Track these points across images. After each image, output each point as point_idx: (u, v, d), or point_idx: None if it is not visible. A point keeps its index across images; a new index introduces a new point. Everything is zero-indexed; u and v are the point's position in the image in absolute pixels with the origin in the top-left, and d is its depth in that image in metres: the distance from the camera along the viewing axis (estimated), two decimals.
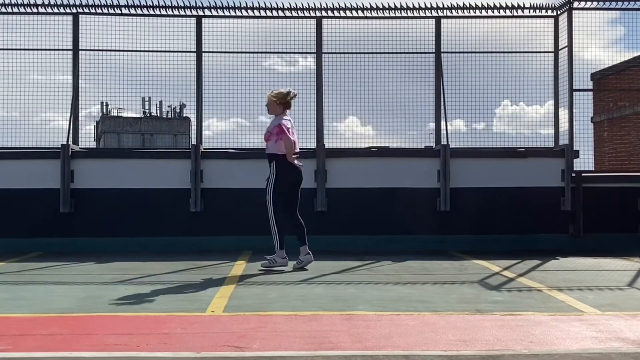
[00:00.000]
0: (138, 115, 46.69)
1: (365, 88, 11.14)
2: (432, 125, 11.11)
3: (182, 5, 10.79)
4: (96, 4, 10.76)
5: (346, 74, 11.07)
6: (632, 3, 10.88)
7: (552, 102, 11.24)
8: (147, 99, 42.13)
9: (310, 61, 11.17)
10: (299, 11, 10.95)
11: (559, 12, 11.11)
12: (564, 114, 11.05)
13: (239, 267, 8.17)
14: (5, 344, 4.23)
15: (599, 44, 11.50)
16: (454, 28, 11.27)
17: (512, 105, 11.37)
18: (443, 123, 10.92)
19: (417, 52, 11.12)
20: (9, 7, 10.75)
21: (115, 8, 10.80)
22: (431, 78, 11.10)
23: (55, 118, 11.04)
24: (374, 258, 9.07)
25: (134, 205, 10.41)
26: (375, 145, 11.36)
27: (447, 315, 5.18)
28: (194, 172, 10.38)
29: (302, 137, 10.95)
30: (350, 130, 11.40)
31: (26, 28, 10.88)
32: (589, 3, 10.89)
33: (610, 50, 12.38)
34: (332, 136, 11.14)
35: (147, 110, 49.20)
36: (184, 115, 45.99)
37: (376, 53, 11.17)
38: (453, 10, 11.06)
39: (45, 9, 10.79)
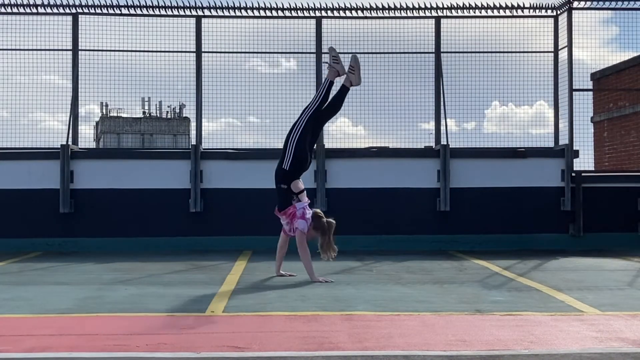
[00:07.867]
0: (138, 116, 46.71)
1: (363, 87, 11.11)
2: (430, 125, 11.11)
3: (182, 5, 10.81)
4: (96, 4, 10.77)
5: None
6: (631, 3, 10.88)
7: (546, 102, 11.26)
8: (146, 99, 42.10)
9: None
10: (298, 11, 10.95)
11: (558, 12, 11.11)
12: (563, 114, 11.06)
13: (238, 267, 8.17)
14: (5, 344, 4.23)
15: (594, 44, 11.52)
16: (453, 28, 11.28)
17: (507, 105, 11.37)
18: (443, 123, 10.92)
19: (416, 52, 11.13)
20: (9, 7, 10.76)
21: (114, 8, 10.81)
22: (430, 78, 11.10)
23: (54, 118, 11.06)
24: (374, 258, 9.07)
25: (134, 206, 10.42)
26: (374, 145, 11.35)
27: (447, 315, 5.18)
28: (193, 172, 10.38)
29: None
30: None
31: (26, 28, 10.90)
32: (588, 3, 10.90)
33: (605, 50, 12.42)
34: (331, 136, 11.14)
35: (146, 111, 49.20)
36: (184, 115, 45.99)
37: (376, 53, 11.17)
38: (453, 10, 11.07)
39: (45, 9, 10.81)
